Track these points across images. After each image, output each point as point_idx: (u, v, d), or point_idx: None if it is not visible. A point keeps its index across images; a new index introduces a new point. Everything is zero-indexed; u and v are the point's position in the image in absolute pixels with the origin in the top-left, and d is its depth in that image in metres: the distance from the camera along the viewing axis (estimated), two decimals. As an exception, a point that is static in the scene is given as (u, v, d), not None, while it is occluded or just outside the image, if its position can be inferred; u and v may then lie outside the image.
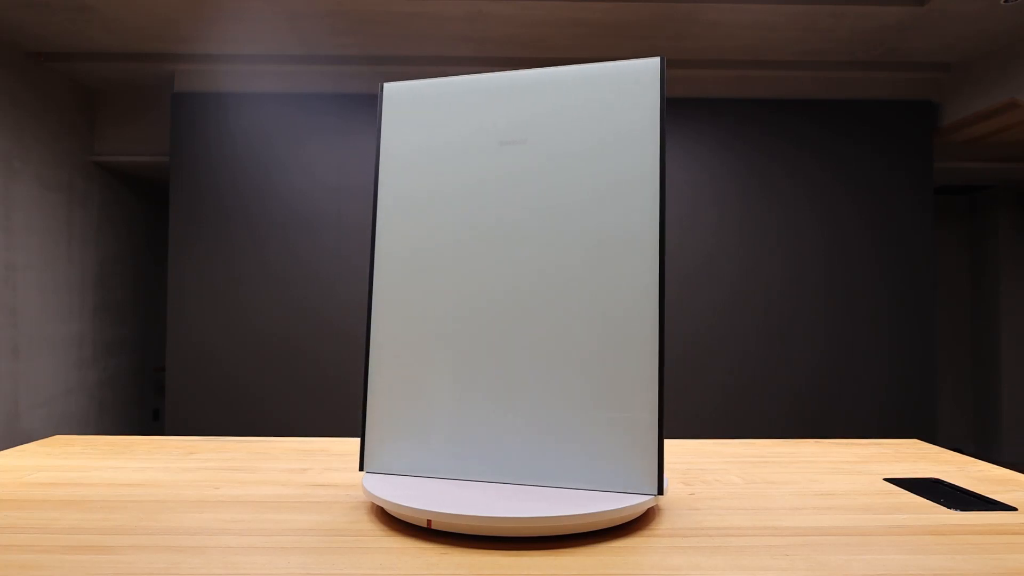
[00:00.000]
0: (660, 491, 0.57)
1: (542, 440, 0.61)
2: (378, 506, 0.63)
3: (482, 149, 0.66)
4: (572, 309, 0.61)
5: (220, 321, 3.32)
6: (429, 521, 0.54)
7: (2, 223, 3.07)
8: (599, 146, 0.63)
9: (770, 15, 2.83)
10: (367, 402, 0.65)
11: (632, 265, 0.61)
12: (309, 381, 3.31)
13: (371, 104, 3.39)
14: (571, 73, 0.66)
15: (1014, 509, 0.63)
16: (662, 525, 0.58)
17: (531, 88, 0.66)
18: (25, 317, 3.21)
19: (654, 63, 0.64)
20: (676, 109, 3.42)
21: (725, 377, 3.37)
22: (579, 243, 0.62)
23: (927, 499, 0.67)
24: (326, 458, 0.83)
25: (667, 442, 0.94)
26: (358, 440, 0.94)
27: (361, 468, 0.65)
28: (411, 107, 0.69)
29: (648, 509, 0.62)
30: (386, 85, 0.70)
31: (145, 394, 4.37)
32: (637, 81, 0.65)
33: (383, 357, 0.66)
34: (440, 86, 0.69)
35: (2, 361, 3.07)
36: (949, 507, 0.64)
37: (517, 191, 0.64)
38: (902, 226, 3.42)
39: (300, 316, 3.32)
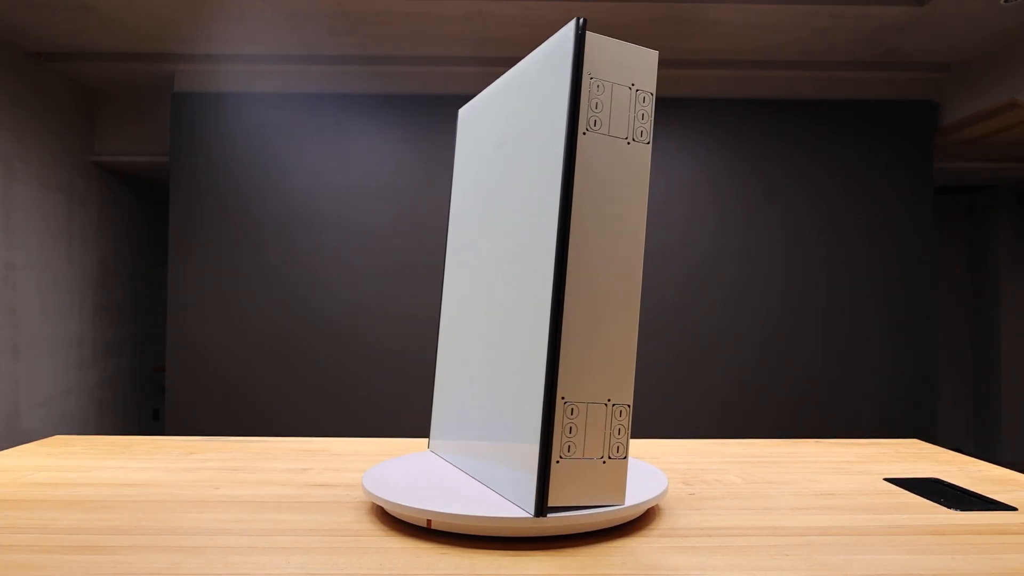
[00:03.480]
0: (540, 512, 0.52)
1: (484, 434, 0.63)
2: (378, 506, 0.63)
3: (483, 154, 0.70)
4: (501, 316, 0.62)
5: (220, 321, 3.32)
6: (429, 521, 0.54)
7: (2, 223, 3.07)
8: (534, 137, 0.59)
9: (770, 15, 2.83)
10: (434, 391, 0.77)
11: (531, 277, 0.56)
12: (309, 381, 3.31)
13: (371, 104, 3.39)
14: (527, 63, 0.63)
15: (1014, 509, 0.63)
16: (662, 525, 0.58)
17: (517, 88, 0.65)
18: (25, 317, 3.21)
19: (569, 27, 0.56)
20: (676, 109, 3.42)
21: (725, 377, 3.37)
22: (516, 253, 0.60)
23: (927, 499, 0.67)
24: (326, 458, 0.83)
25: (667, 442, 0.94)
26: (358, 440, 0.94)
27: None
28: (467, 124, 0.76)
29: (648, 509, 0.62)
30: (461, 112, 0.77)
31: (145, 394, 4.37)
32: (556, 54, 0.58)
33: (439, 350, 0.78)
34: (479, 101, 0.74)
35: (2, 361, 3.07)
36: (949, 507, 0.64)
37: (497, 194, 0.66)
38: (902, 226, 3.41)
39: (300, 316, 3.32)
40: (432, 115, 3.38)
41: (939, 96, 3.47)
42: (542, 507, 0.53)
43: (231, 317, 3.32)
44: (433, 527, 0.55)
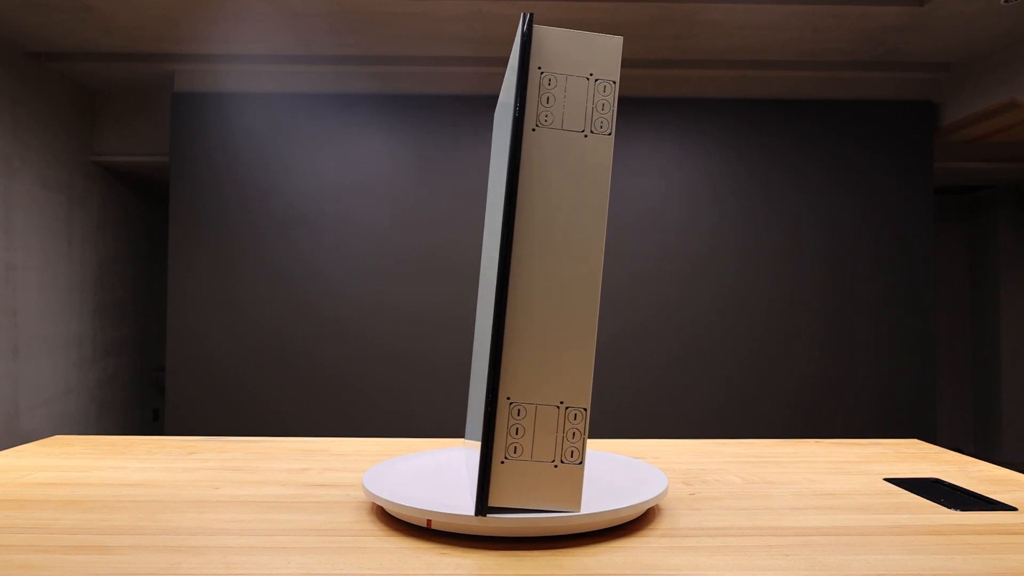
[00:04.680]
0: (480, 512, 0.52)
1: (469, 432, 0.64)
2: (378, 506, 0.63)
3: (492, 158, 0.74)
4: (483, 316, 0.64)
5: (220, 321, 3.32)
6: (429, 521, 0.54)
7: (2, 223, 3.07)
8: (501, 137, 0.60)
9: (770, 15, 2.83)
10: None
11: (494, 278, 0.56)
12: (309, 381, 3.31)
13: (371, 104, 3.39)
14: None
15: (1014, 509, 0.63)
16: (662, 525, 0.58)
17: (503, 89, 0.67)
18: (25, 317, 3.21)
19: (524, 18, 0.55)
20: (676, 109, 3.42)
21: (725, 377, 3.37)
22: (490, 255, 0.62)
23: (927, 499, 0.67)
24: (326, 458, 0.83)
25: (667, 442, 0.94)
26: (358, 440, 0.94)
27: None
28: None
29: (648, 509, 0.62)
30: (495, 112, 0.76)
31: (145, 394, 4.37)
32: (514, 51, 0.58)
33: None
34: None
35: (2, 361, 3.07)
36: (949, 507, 0.64)
37: (491, 196, 0.68)
38: (902, 226, 3.41)
39: (300, 316, 3.32)
40: (432, 115, 3.38)
41: (939, 96, 3.47)
42: (482, 506, 0.52)
43: (231, 317, 3.32)
44: (433, 527, 0.55)
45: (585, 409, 0.53)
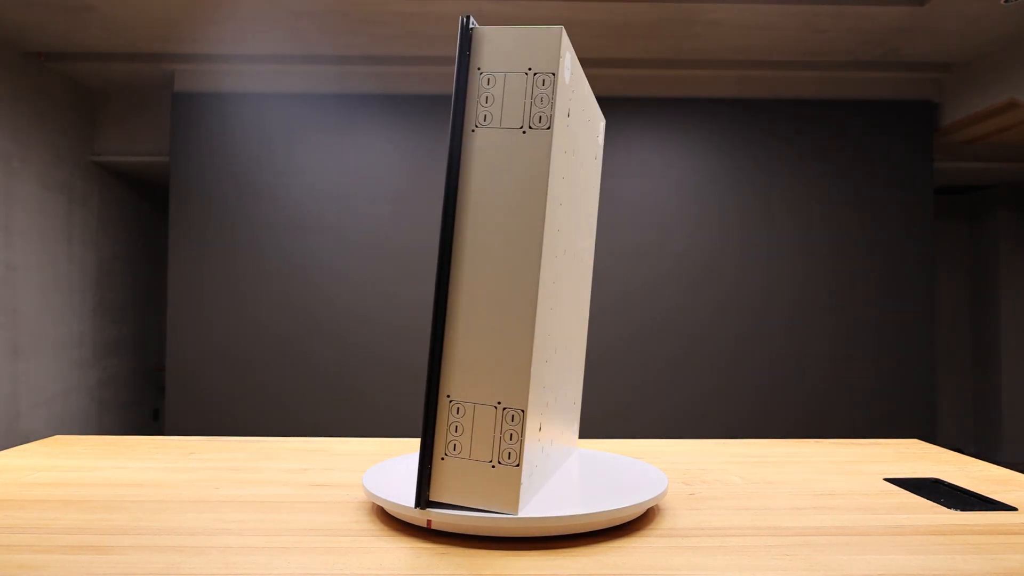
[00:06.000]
0: (419, 504, 0.53)
1: None
2: (378, 506, 0.63)
3: None
4: None
5: (220, 321, 3.32)
6: (429, 521, 0.54)
7: (2, 223, 3.07)
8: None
9: (770, 15, 2.83)
10: None
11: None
12: (309, 381, 3.31)
13: (372, 104, 3.39)
14: None
15: (1014, 509, 0.63)
16: (662, 525, 0.58)
17: None
18: (25, 317, 3.21)
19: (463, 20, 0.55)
20: (676, 109, 3.42)
21: (725, 377, 3.37)
22: None
23: (927, 499, 0.67)
24: (326, 458, 0.83)
25: (667, 442, 0.94)
26: (358, 440, 0.94)
27: None
28: None
29: (648, 509, 0.62)
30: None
31: (145, 394, 4.37)
32: None
33: None
34: None
35: (2, 361, 3.07)
36: (949, 507, 0.64)
37: None
38: (902, 226, 3.41)
39: (300, 316, 3.32)
40: (432, 115, 3.38)
41: (939, 96, 3.47)
42: (421, 498, 0.53)
43: (231, 317, 3.32)
44: (433, 527, 0.55)
45: (523, 411, 0.52)
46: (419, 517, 0.54)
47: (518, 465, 0.53)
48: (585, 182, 0.67)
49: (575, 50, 3.07)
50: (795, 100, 3.45)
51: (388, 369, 3.30)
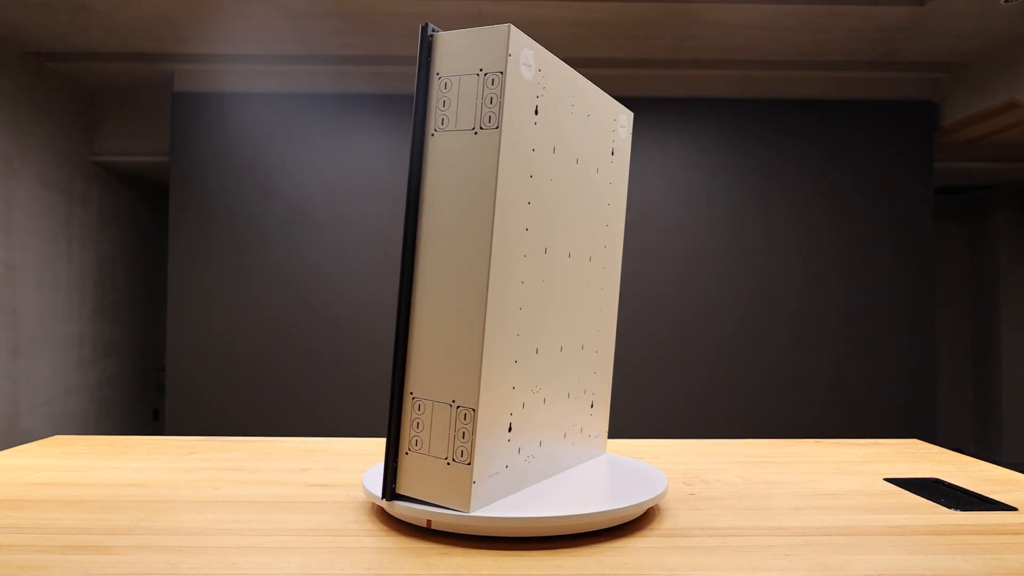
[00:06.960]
0: (385, 495, 0.55)
1: None
2: (378, 506, 0.63)
3: None
4: None
5: (220, 321, 3.32)
6: (429, 521, 0.54)
7: (2, 223, 3.07)
8: None
9: (771, 15, 2.83)
10: None
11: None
12: (310, 381, 3.31)
13: (372, 104, 3.39)
14: None
15: (1014, 509, 0.63)
16: (662, 525, 0.58)
17: None
18: (25, 317, 3.21)
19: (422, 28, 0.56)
20: (676, 109, 3.42)
21: (724, 377, 3.37)
22: None
23: (927, 499, 0.67)
24: (326, 458, 0.83)
25: (667, 442, 0.94)
26: (358, 440, 0.94)
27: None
28: None
29: (648, 509, 0.62)
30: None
31: (145, 394, 4.37)
32: None
33: None
34: None
35: (2, 361, 3.07)
36: (949, 507, 0.64)
37: None
38: (902, 226, 3.41)
39: (300, 316, 3.32)
40: (432, 115, 3.37)
41: (939, 96, 3.47)
42: (387, 491, 0.55)
43: (231, 317, 3.32)
44: (433, 527, 0.55)
45: (474, 410, 0.53)
46: (419, 517, 0.55)
47: (469, 464, 0.53)
48: (584, 179, 0.66)
49: (574, 50, 3.06)
50: (795, 100, 3.45)
51: (388, 369, 3.30)
